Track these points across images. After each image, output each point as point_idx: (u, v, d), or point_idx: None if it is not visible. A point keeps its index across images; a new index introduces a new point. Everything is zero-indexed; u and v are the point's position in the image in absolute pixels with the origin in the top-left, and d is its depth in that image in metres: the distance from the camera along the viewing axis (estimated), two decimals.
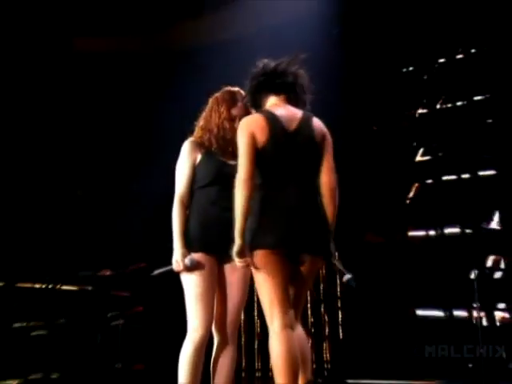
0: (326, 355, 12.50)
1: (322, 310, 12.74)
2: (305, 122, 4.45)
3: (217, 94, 5.28)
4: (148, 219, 11.04)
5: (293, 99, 4.61)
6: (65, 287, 12.99)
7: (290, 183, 4.38)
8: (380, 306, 10.99)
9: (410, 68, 11.15)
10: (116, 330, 12.41)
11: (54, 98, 12.62)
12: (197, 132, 5.19)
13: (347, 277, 4.37)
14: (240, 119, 4.78)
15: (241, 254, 4.28)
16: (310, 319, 12.68)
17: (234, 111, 5.14)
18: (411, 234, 10.86)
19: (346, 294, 12.37)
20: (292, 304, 4.36)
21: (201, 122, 5.21)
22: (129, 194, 11.66)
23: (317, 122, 4.51)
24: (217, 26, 12.21)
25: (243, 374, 11.90)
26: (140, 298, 11.48)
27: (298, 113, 4.50)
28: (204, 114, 5.24)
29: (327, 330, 12.22)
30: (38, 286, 12.82)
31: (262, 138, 4.31)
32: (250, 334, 12.03)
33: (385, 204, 11.13)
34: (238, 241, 4.23)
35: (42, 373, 11.93)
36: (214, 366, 5.14)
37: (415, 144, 11.02)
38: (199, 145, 5.09)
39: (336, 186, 4.46)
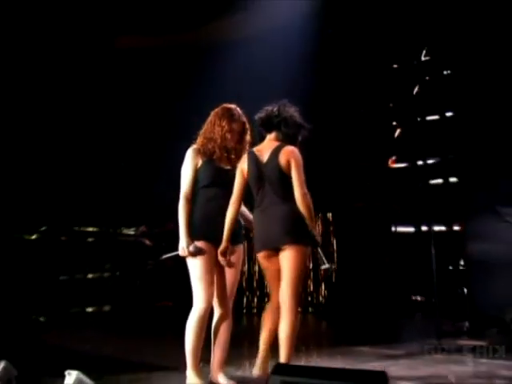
0: (323, 293, 13.90)
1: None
2: (274, 154, 5.07)
3: (217, 110, 5.58)
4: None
5: (280, 135, 5.23)
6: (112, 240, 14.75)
7: (264, 199, 5.10)
8: (365, 256, 12.12)
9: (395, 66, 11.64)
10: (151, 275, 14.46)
11: (102, 86, 13.12)
12: (201, 141, 5.45)
13: (325, 266, 4.88)
14: (238, 132, 5.47)
15: None
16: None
17: (234, 125, 5.44)
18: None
19: (339, 247, 13.76)
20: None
21: (205, 133, 5.49)
22: (161, 165, 11.79)
23: (285, 151, 5.06)
24: (237, 25, 12.38)
25: None
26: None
27: (273, 146, 5.14)
28: (207, 126, 5.52)
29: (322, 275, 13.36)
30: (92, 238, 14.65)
31: (245, 171, 5.19)
32: None
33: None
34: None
35: (96, 306, 13.96)
36: (215, 333, 5.48)
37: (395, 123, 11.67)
38: (201, 152, 5.37)
39: (303, 193, 4.93)
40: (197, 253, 5.09)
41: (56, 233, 14.32)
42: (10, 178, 12.65)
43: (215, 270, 5.29)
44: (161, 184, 10.90)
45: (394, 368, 6.21)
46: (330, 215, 14.37)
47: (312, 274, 13.59)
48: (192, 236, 5.21)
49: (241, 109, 5.71)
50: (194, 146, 5.45)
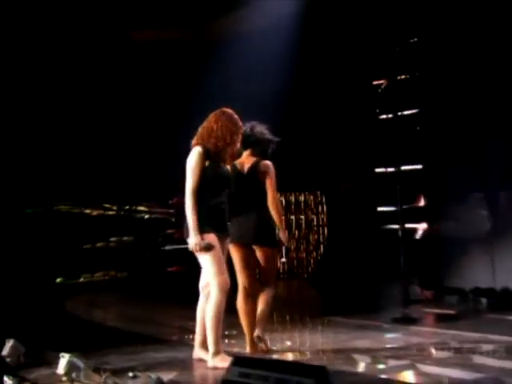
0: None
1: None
2: (254, 167, 5.50)
3: (224, 112, 5.31)
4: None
5: (255, 151, 5.59)
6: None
7: (244, 204, 5.51)
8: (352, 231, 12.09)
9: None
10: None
11: (119, 75, 13.16)
12: (211, 141, 5.16)
13: (283, 260, 5.64)
14: (241, 135, 5.40)
15: None
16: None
17: (240, 128, 5.35)
18: None
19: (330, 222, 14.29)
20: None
21: (214, 133, 5.19)
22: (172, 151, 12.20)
23: (263, 164, 5.51)
24: (242, 19, 12.22)
25: None
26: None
27: (252, 161, 5.54)
28: (215, 127, 5.21)
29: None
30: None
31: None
32: None
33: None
34: None
35: (115, 271, 14.28)
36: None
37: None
38: (210, 152, 5.12)
39: (275, 200, 5.49)
40: (208, 248, 4.99)
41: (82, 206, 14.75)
42: (48, 159, 13.16)
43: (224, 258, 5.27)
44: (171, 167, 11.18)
45: (360, 341, 6.22)
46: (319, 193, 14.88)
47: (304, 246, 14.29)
48: (201, 229, 5.01)
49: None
50: (201, 148, 5.13)
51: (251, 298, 5.50)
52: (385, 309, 8.55)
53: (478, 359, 5.24)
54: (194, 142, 5.25)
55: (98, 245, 14.64)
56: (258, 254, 5.50)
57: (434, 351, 5.64)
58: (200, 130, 5.29)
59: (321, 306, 9.95)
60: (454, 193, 9.65)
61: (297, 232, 15.95)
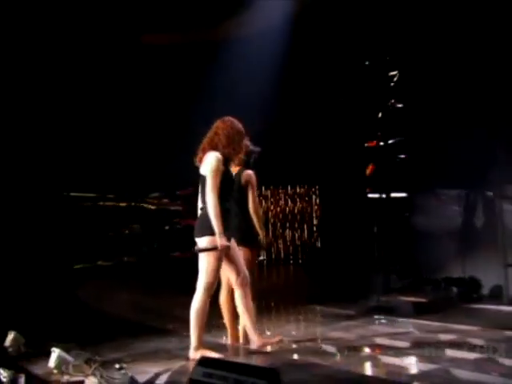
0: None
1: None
2: (237, 176, 5.49)
3: (233, 122, 5.23)
4: None
5: (239, 161, 5.54)
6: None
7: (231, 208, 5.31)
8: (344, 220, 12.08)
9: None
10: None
11: (130, 75, 13.16)
12: (227, 150, 5.08)
13: (261, 258, 5.84)
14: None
15: None
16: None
17: (243, 136, 5.32)
18: None
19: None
20: None
21: (227, 141, 5.10)
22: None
23: (245, 173, 5.54)
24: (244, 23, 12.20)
25: None
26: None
27: (235, 170, 5.52)
28: (227, 135, 5.13)
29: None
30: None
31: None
32: None
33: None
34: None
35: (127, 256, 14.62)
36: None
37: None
38: (226, 159, 5.07)
39: (256, 206, 5.57)
40: (228, 249, 5.00)
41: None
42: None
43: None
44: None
45: (332, 332, 6.30)
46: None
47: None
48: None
49: None
50: (219, 154, 5.02)
51: (233, 294, 5.45)
52: (364, 297, 8.60)
53: (436, 350, 5.26)
54: (204, 147, 5.16)
55: (112, 233, 14.98)
56: (240, 253, 5.46)
57: (397, 342, 5.68)
58: (210, 137, 5.18)
59: (305, 293, 9.85)
60: (431, 190, 9.78)
61: (293, 221, 16.38)
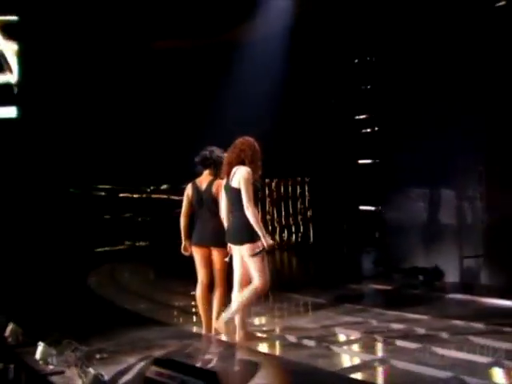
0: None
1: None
2: (209, 184, 5.55)
3: (252, 141, 5.31)
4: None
5: (212, 171, 5.59)
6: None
7: (203, 213, 5.56)
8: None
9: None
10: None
11: (144, 77, 13.30)
12: (253, 165, 5.16)
13: (226, 259, 5.43)
14: None
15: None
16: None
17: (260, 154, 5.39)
18: None
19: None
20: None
21: (250, 157, 5.18)
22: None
23: (216, 183, 5.52)
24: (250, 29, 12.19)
25: None
26: None
27: (208, 179, 5.59)
28: (252, 152, 5.21)
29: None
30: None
31: (190, 195, 5.63)
32: None
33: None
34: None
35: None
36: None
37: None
38: None
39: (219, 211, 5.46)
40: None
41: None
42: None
43: None
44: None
45: (300, 322, 6.33)
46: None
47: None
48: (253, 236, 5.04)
49: None
50: (250, 169, 5.14)
51: (207, 289, 5.63)
52: (337, 285, 8.71)
53: (383, 340, 5.34)
54: (231, 162, 5.22)
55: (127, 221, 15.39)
56: (213, 254, 5.58)
57: (351, 331, 5.76)
58: (236, 153, 5.22)
59: (283, 280, 9.50)
60: (402, 188, 9.82)
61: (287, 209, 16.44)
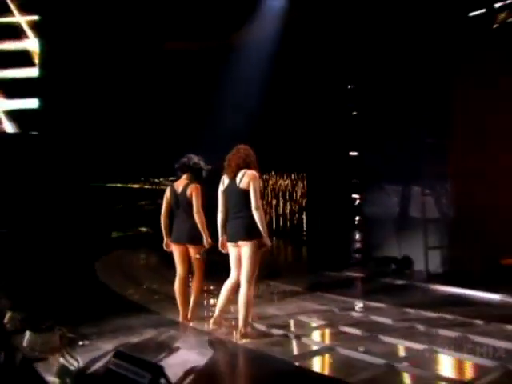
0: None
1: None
2: (184, 188, 5.62)
3: (251, 149, 5.35)
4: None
5: (190, 176, 5.71)
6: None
7: (180, 214, 5.69)
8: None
9: None
10: None
11: (154, 76, 13.47)
12: (254, 167, 5.23)
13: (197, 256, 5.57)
14: None
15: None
16: None
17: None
18: None
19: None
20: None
21: (254, 162, 5.27)
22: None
23: (191, 187, 5.62)
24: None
25: None
26: None
27: (184, 183, 5.69)
28: (254, 158, 5.30)
29: None
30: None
31: (168, 197, 5.74)
32: None
33: None
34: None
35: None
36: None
37: None
38: None
39: (198, 213, 5.53)
40: None
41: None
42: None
43: None
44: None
45: (271, 308, 6.42)
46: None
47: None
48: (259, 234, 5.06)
49: None
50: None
51: (184, 282, 5.76)
52: (318, 272, 8.91)
53: (335, 329, 5.45)
54: (239, 164, 5.21)
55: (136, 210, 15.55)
56: (190, 250, 5.68)
57: (312, 319, 5.86)
58: (242, 157, 5.23)
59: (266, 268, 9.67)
60: (376, 185, 9.90)
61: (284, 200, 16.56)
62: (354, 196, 10.56)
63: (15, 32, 13.35)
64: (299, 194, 15.93)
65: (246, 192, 5.05)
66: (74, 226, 13.65)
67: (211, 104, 12.73)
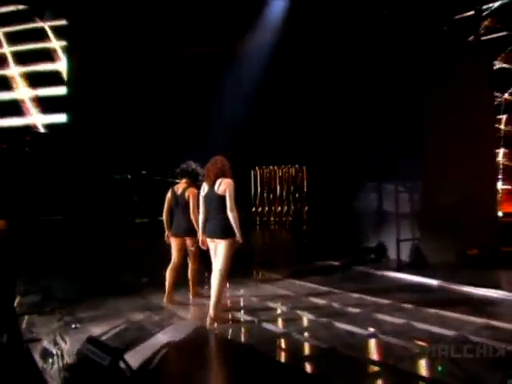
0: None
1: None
2: (183, 191, 6.18)
3: (227, 160, 5.63)
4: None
5: (187, 181, 6.25)
6: None
7: (178, 213, 6.20)
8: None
9: None
10: None
11: (169, 77, 13.92)
12: (229, 175, 5.53)
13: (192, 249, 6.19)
14: None
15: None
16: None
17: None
18: None
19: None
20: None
21: (229, 171, 5.57)
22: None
23: (189, 190, 6.15)
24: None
25: None
26: None
27: (184, 186, 6.23)
28: (229, 167, 5.59)
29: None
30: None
31: (169, 198, 6.28)
32: None
33: None
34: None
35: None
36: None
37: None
38: None
39: (194, 213, 6.00)
40: None
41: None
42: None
43: None
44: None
45: (240, 292, 6.73)
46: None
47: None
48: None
49: None
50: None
51: (176, 267, 6.33)
52: (305, 261, 9.10)
53: (297, 313, 5.68)
54: (217, 173, 5.50)
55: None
56: (186, 241, 6.28)
57: (278, 306, 6.05)
58: (219, 167, 5.52)
59: (263, 259, 9.71)
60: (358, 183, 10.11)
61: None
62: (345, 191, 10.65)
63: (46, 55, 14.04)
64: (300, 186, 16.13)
65: (222, 197, 5.39)
66: (104, 213, 14.11)
67: (216, 105, 13.16)
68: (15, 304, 5.68)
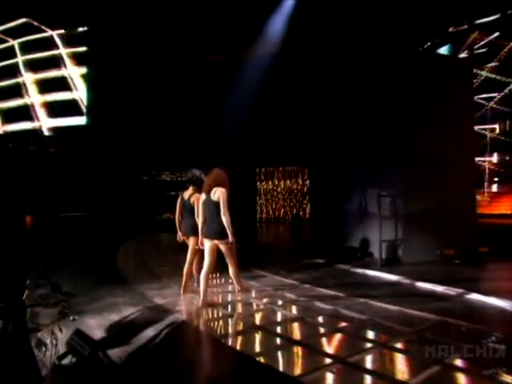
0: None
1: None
2: (189, 197, 6.68)
3: (224, 172, 6.15)
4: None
5: (194, 187, 6.75)
6: None
7: (187, 217, 6.69)
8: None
9: None
10: None
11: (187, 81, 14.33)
12: (224, 185, 6.04)
13: (197, 247, 6.67)
14: None
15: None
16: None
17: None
18: None
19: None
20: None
21: (225, 182, 6.07)
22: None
23: (195, 196, 6.63)
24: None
25: None
26: None
27: (191, 192, 6.75)
28: (225, 178, 6.10)
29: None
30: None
31: (179, 202, 6.81)
32: None
33: None
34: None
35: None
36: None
37: None
38: None
39: (197, 215, 6.33)
40: None
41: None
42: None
43: None
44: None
45: (230, 286, 6.84)
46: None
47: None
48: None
49: None
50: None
51: (189, 265, 6.76)
52: (295, 259, 9.20)
53: (265, 307, 5.85)
54: (211, 184, 6.03)
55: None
56: (190, 240, 6.74)
57: (256, 302, 6.17)
58: (215, 179, 6.05)
59: (259, 258, 9.76)
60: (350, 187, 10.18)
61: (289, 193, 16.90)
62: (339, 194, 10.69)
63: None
64: (302, 188, 16.22)
65: (217, 203, 5.90)
66: (131, 210, 14.64)
67: (224, 108, 13.43)
68: (24, 296, 5.80)
